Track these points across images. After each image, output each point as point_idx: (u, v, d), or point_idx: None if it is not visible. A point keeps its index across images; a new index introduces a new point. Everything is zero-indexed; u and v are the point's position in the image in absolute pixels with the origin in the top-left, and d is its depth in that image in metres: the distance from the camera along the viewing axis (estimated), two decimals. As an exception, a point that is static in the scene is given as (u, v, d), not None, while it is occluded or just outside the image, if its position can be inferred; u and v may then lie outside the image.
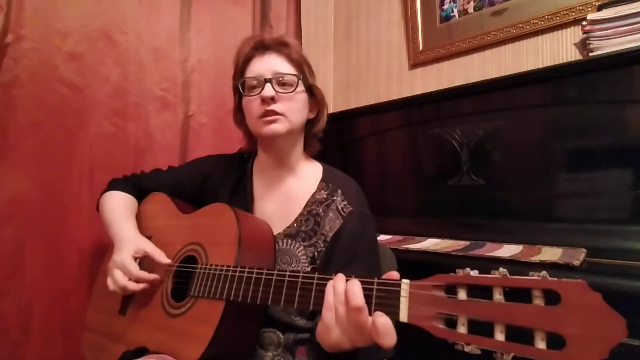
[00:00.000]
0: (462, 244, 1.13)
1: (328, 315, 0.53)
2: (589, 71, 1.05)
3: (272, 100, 0.78)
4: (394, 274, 0.52)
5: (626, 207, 0.99)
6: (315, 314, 0.76)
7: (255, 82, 0.80)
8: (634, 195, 0.97)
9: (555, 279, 0.41)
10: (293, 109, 0.80)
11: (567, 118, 1.09)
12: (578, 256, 0.89)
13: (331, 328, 0.53)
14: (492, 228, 1.16)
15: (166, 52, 1.34)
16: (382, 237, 1.29)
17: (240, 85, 0.83)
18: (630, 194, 0.98)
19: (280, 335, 0.77)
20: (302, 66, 0.83)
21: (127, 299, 0.87)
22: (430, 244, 1.17)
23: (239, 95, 0.86)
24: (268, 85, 0.78)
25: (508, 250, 1.00)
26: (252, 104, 0.81)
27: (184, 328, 0.73)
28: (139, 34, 1.27)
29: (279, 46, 0.82)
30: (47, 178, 1.09)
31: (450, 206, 1.30)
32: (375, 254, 0.82)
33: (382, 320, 0.48)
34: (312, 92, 0.86)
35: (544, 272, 0.42)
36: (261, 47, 0.83)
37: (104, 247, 0.89)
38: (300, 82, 0.81)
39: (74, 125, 1.14)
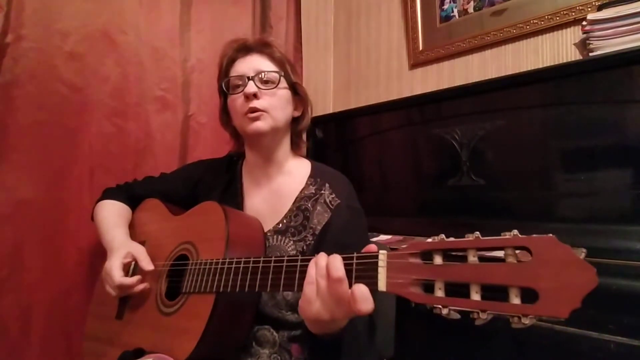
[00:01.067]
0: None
1: (309, 288, 0.54)
2: (589, 71, 1.05)
3: (255, 96, 0.80)
4: (373, 247, 0.54)
5: (626, 207, 0.99)
6: None
7: (239, 81, 0.83)
8: (634, 195, 0.97)
9: (526, 235, 0.42)
10: (275, 105, 0.83)
11: (567, 118, 1.09)
12: (578, 255, 0.88)
13: (312, 301, 0.54)
14: (492, 228, 1.15)
15: (166, 52, 1.34)
16: (382, 237, 1.29)
17: (225, 85, 0.86)
18: (630, 194, 0.98)
19: (275, 333, 0.78)
20: (285, 64, 0.86)
21: (124, 303, 0.88)
22: (430, 244, 1.17)
23: (224, 97, 0.89)
24: (251, 82, 0.81)
25: (508, 250, 1.00)
26: (236, 102, 0.83)
27: (177, 325, 0.73)
28: (139, 34, 1.27)
29: (261, 47, 0.86)
30: (47, 178, 1.09)
31: (450, 206, 1.30)
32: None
33: (360, 288, 0.50)
34: (296, 91, 0.88)
35: (515, 231, 0.43)
36: (244, 49, 0.86)
37: (103, 248, 0.90)
38: (282, 79, 0.84)
39: (74, 125, 1.14)
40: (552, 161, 1.12)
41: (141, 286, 0.81)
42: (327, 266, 0.53)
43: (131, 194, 1.00)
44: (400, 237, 1.28)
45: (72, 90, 1.13)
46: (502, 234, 0.43)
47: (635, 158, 0.98)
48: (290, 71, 0.87)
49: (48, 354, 1.06)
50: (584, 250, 0.91)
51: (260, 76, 0.82)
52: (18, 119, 1.04)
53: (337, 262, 0.52)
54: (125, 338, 0.83)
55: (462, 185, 1.26)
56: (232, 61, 0.86)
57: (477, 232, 0.45)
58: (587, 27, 1.09)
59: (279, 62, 0.85)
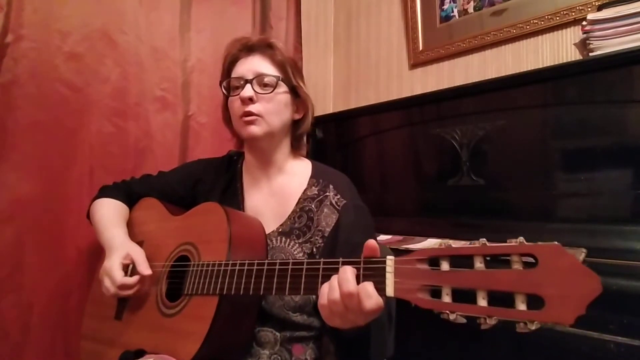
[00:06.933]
0: (462, 244, 1.13)
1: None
2: (589, 71, 1.05)
3: (251, 100, 0.80)
4: (371, 243, 0.55)
5: (626, 207, 0.99)
6: (315, 311, 0.77)
7: (238, 83, 0.83)
8: (634, 195, 0.97)
9: (532, 243, 0.42)
10: (271, 111, 0.82)
11: (567, 118, 1.09)
12: (578, 256, 0.89)
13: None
14: (492, 228, 1.15)
15: (166, 52, 1.34)
16: (382, 237, 1.29)
17: (225, 86, 0.86)
18: (630, 194, 0.98)
19: (277, 333, 0.78)
20: (286, 67, 0.85)
21: (123, 303, 0.87)
22: (430, 244, 1.17)
23: (225, 96, 0.89)
24: (248, 85, 0.81)
25: (508, 250, 1.00)
26: (234, 104, 0.84)
27: (180, 326, 0.73)
28: (139, 34, 1.27)
29: (264, 48, 0.85)
30: (47, 178, 1.08)
31: (450, 206, 1.30)
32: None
33: (365, 287, 0.51)
34: (298, 93, 0.87)
35: (521, 238, 0.43)
36: (246, 48, 0.86)
37: (103, 248, 0.90)
38: (280, 83, 0.83)
39: (74, 125, 1.14)
40: (552, 161, 1.12)
41: (139, 286, 0.80)
42: (338, 280, 0.54)
43: (129, 192, 1.00)
44: (400, 237, 1.28)
45: (72, 90, 1.13)
46: (508, 240, 0.44)
47: (635, 158, 0.98)
48: (292, 74, 0.86)
49: (48, 354, 1.06)
50: (584, 250, 0.92)
51: (258, 79, 0.82)
52: (18, 119, 1.04)
53: (347, 274, 0.53)
54: (125, 338, 0.82)
55: (462, 185, 1.26)
56: (234, 61, 0.86)
57: (484, 239, 0.45)
58: (587, 27, 1.09)
59: (280, 65, 0.85)
